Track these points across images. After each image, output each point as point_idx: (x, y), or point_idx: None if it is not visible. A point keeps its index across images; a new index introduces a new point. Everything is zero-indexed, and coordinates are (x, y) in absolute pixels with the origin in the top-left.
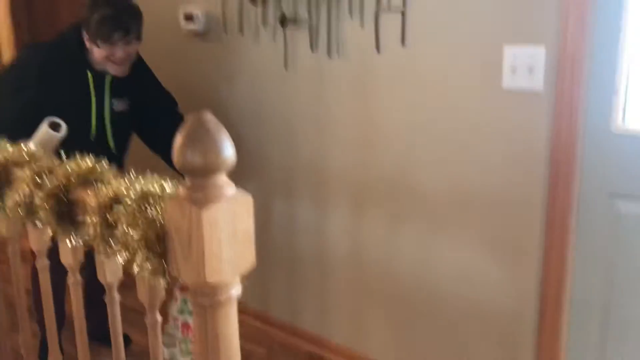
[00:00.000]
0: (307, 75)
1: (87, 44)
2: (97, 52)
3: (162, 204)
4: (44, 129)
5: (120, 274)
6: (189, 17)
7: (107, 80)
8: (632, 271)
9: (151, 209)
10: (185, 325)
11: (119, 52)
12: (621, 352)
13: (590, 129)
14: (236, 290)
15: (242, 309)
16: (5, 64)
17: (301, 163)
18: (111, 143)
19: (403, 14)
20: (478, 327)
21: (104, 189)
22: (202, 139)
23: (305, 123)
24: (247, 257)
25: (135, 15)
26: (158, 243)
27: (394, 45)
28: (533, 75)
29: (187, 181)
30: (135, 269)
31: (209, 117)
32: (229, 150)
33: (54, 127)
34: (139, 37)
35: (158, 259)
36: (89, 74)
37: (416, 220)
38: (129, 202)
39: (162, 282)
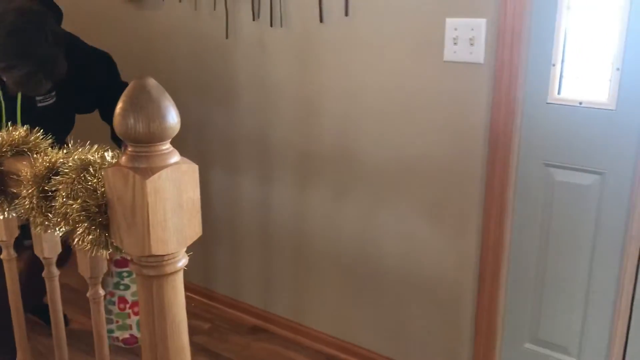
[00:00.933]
0: (249, 45)
1: None
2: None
3: (103, 173)
4: None
5: (59, 248)
6: None
7: None
8: (565, 235)
9: (91, 179)
10: (122, 300)
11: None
12: (554, 314)
13: (528, 100)
14: (183, 262)
15: (184, 284)
16: None
17: (242, 133)
18: None
19: None
20: (420, 295)
21: (40, 159)
22: (145, 105)
23: (247, 93)
24: (193, 227)
25: (59, 61)
26: (100, 214)
27: (337, 15)
28: (474, 47)
29: (130, 149)
30: (76, 241)
31: (152, 83)
32: (173, 117)
33: None
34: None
35: (100, 230)
36: None
37: (359, 190)
38: (68, 172)
39: (104, 255)
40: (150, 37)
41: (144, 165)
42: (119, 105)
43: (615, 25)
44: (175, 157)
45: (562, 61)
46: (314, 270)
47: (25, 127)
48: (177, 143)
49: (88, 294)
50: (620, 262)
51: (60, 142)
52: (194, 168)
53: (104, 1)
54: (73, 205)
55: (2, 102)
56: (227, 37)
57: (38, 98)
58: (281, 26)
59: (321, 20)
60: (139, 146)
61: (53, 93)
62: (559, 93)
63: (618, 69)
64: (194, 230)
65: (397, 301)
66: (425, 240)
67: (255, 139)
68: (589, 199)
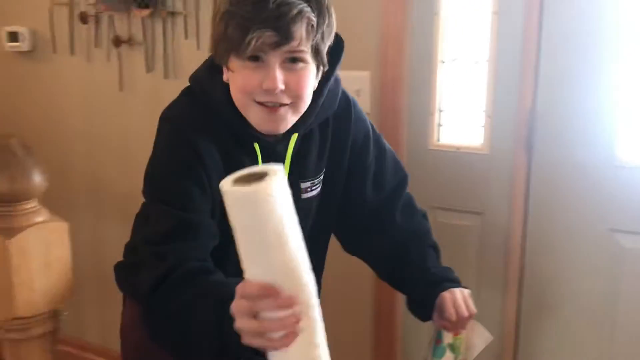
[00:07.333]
0: (144, 97)
1: (225, 78)
2: (236, 87)
3: None
4: None
5: None
6: (13, 36)
7: (290, 148)
8: None
9: None
10: None
11: (272, 78)
12: None
13: (412, 146)
14: (53, 323)
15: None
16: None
17: (139, 186)
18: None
19: None
20: None
21: None
22: (7, 165)
23: (142, 145)
24: (63, 287)
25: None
26: None
27: None
28: (361, 98)
29: None
30: None
31: (16, 141)
32: (38, 176)
33: None
34: (317, 53)
35: None
36: (256, 146)
37: None
38: None
39: None
40: (41, 89)
41: (6, 225)
42: None
43: (484, 77)
44: (43, 216)
45: (440, 110)
46: None
47: None
48: (65, 196)
49: None
50: (502, 300)
51: (317, 256)
52: (64, 226)
53: None
54: None
55: None
56: (121, 90)
57: (304, 186)
58: (175, 78)
59: None
60: (2, 206)
61: (321, 177)
62: (438, 140)
63: (489, 117)
64: (64, 290)
65: None
66: None
67: None
68: (470, 239)
